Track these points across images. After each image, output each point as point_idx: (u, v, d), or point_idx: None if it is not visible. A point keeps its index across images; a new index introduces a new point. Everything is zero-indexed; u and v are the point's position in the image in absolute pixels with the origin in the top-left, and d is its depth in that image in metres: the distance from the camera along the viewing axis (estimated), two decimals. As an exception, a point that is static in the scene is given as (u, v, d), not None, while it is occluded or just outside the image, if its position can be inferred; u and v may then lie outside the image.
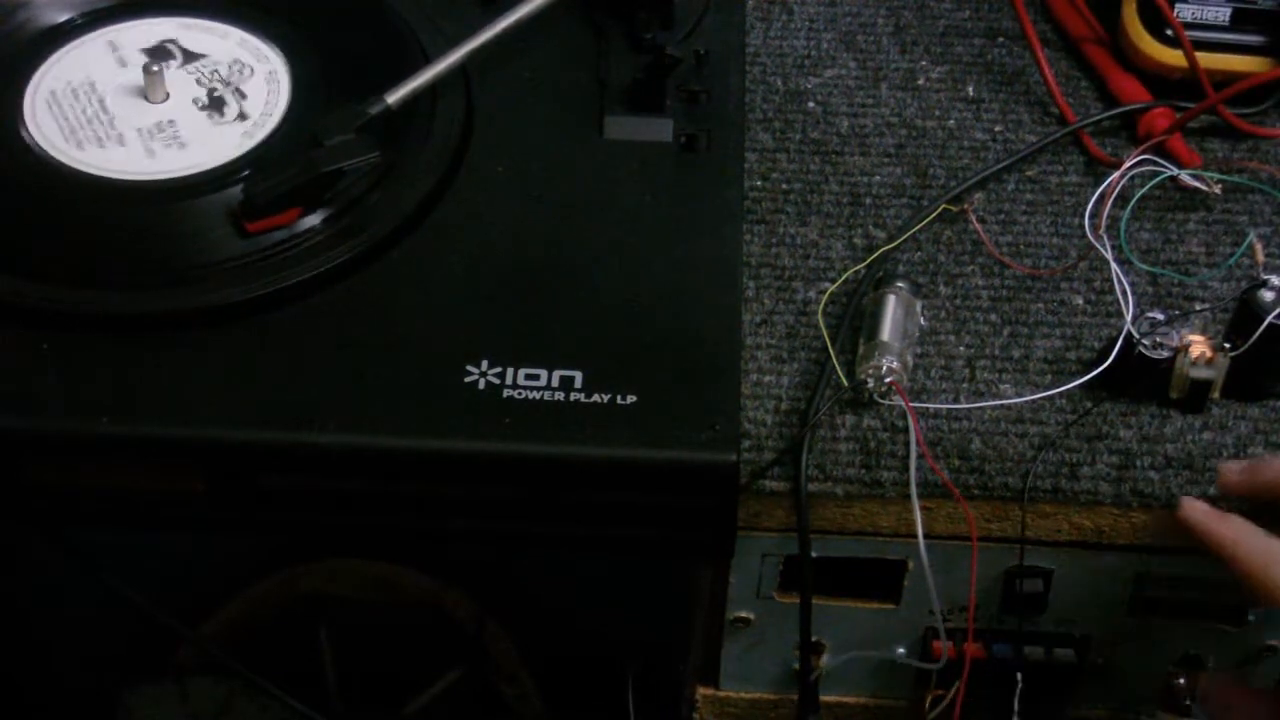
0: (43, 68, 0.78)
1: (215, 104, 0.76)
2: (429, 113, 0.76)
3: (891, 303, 0.71)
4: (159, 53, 0.78)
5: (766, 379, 0.71)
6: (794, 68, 0.86)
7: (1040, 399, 0.70)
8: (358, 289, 0.70)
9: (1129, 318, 0.70)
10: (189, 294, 0.69)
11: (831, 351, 0.70)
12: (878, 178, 0.80)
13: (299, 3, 0.82)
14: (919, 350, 0.72)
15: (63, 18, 0.80)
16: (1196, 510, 0.67)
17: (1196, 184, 0.78)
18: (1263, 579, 0.63)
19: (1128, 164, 0.76)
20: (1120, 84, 0.84)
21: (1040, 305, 0.74)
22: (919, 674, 0.77)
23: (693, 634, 0.79)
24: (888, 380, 0.68)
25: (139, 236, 0.71)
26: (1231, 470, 0.67)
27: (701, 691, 0.80)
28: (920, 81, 0.86)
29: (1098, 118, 0.83)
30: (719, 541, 0.68)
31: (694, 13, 0.83)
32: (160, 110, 0.76)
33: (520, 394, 0.66)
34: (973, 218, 0.78)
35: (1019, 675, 0.73)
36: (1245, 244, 0.76)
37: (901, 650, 0.76)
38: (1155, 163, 0.76)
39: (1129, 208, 0.77)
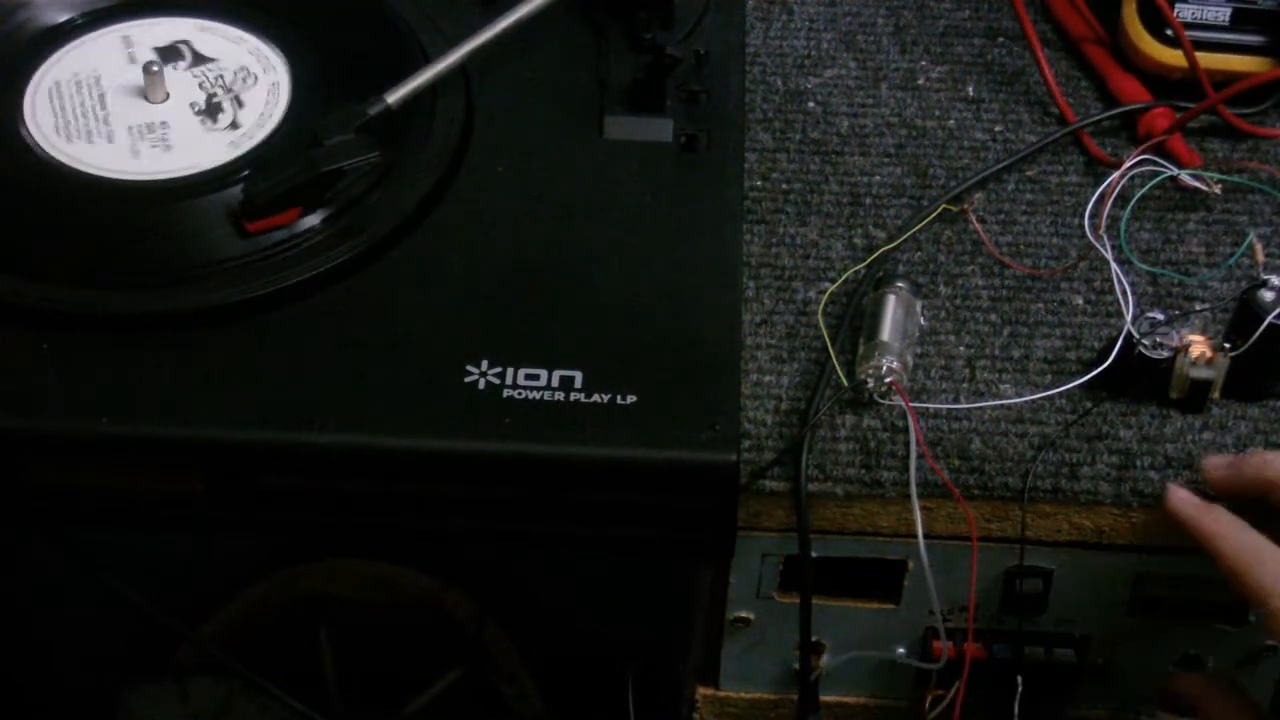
0: (44, 67, 0.78)
1: (211, 110, 0.76)
2: (429, 113, 0.76)
3: (891, 303, 0.71)
4: (170, 52, 0.78)
5: (766, 379, 0.71)
6: (794, 68, 0.86)
7: (1040, 399, 0.70)
8: (358, 289, 0.70)
9: (1129, 318, 0.70)
10: (189, 294, 0.69)
11: (831, 351, 0.70)
12: (878, 178, 0.80)
13: (299, 3, 0.82)
14: (919, 350, 0.72)
15: (63, 17, 0.80)
16: (1184, 501, 0.66)
17: (1196, 184, 0.78)
18: (1247, 579, 0.63)
19: (1128, 164, 0.76)
20: (1120, 84, 0.84)
21: (1040, 305, 0.74)
22: (919, 674, 0.77)
23: (693, 634, 0.79)
24: (888, 380, 0.68)
25: (139, 236, 0.71)
26: (1215, 466, 0.67)
27: (701, 691, 0.80)
28: (920, 81, 0.86)
29: (1098, 118, 0.83)
30: (719, 541, 0.68)
31: (694, 13, 0.83)
32: (157, 110, 0.76)
33: (520, 394, 0.66)
34: (973, 218, 0.78)
35: (1019, 677, 0.73)
36: (1245, 244, 0.76)
37: (901, 650, 0.76)
38: (1155, 163, 0.76)
39: (1129, 208, 0.77)
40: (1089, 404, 0.70)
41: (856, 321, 0.72)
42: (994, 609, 0.74)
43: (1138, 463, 0.68)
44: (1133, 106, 0.83)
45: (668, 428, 0.65)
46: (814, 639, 0.74)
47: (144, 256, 0.70)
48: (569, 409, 0.65)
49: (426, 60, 0.77)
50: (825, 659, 0.76)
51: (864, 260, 0.75)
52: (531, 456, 0.65)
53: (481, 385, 0.66)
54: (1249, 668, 0.76)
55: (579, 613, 0.88)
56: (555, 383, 0.66)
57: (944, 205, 0.78)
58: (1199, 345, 0.69)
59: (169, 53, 0.78)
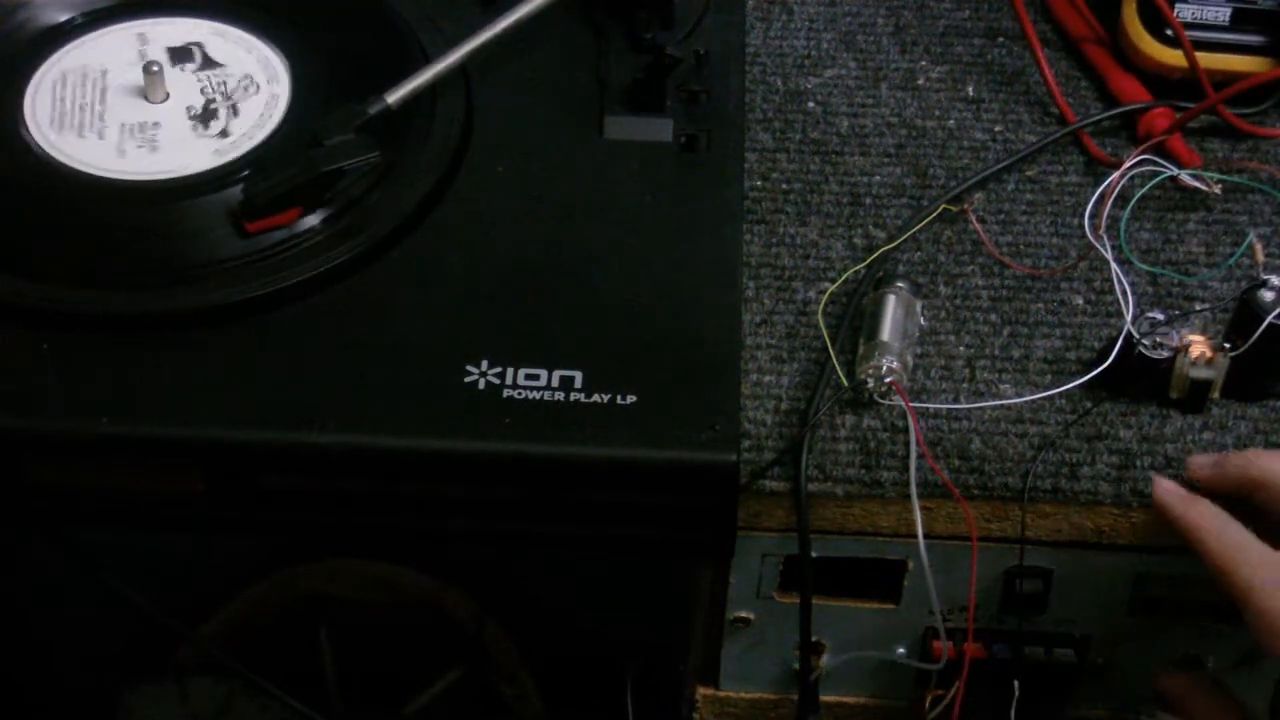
0: (44, 66, 0.78)
1: (205, 115, 0.75)
2: (429, 113, 0.76)
3: (891, 303, 0.71)
4: (182, 53, 0.78)
5: (766, 379, 0.71)
6: (794, 68, 0.86)
7: (1040, 399, 0.70)
8: (358, 289, 0.70)
9: (1129, 318, 0.70)
10: (189, 294, 0.69)
11: (831, 351, 0.70)
12: (878, 178, 0.80)
13: (299, 3, 0.82)
14: (919, 350, 0.72)
15: (63, 17, 0.80)
16: (1169, 493, 0.66)
17: (1196, 184, 0.78)
18: (1231, 576, 0.63)
19: (1128, 164, 0.76)
20: (1120, 84, 0.84)
21: (1040, 305, 0.74)
22: (919, 674, 0.77)
23: (693, 634, 0.79)
24: (888, 380, 0.68)
25: (139, 236, 0.71)
26: (1201, 465, 0.67)
27: (701, 691, 0.80)
28: (920, 81, 0.86)
29: (1098, 118, 0.83)
30: (719, 541, 0.68)
31: (694, 13, 0.83)
32: (153, 111, 0.76)
33: (520, 394, 0.66)
34: (973, 218, 0.78)
35: (1015, 683, 0.73)
36: (1245, 244, 0.76)
37: (901, 650, 0.76)
38: (1155, 163, 0.76)
39: (1129, 208, 0.77)
40: (1089, 404, 0.70)
41: (856, 321, 0.72)
42: (994, 609, 0.74)
43: (1138, 463, 0.68)
44: (1133, 106, 0.83)
45: (668, 428, 0.65)
46: (814, 639, 0.74)
47: (144, 256, 0.70)
48: (569, 409, 0.65)
49: (426, 60, 0.77)
50: (825, 659, 0.76)
51: (864, 260, 0.75)
52: (531, 456, 0.65)
53: (481, 385, 0.66)
54: (1248, 668, 0.76)
55: (579, 613, 0.88)
56: (555, 383, 0.66)
57: (944, 205, 0.78)
58: (1199, 345, 0.69)
59: (180, 53, 0.78)
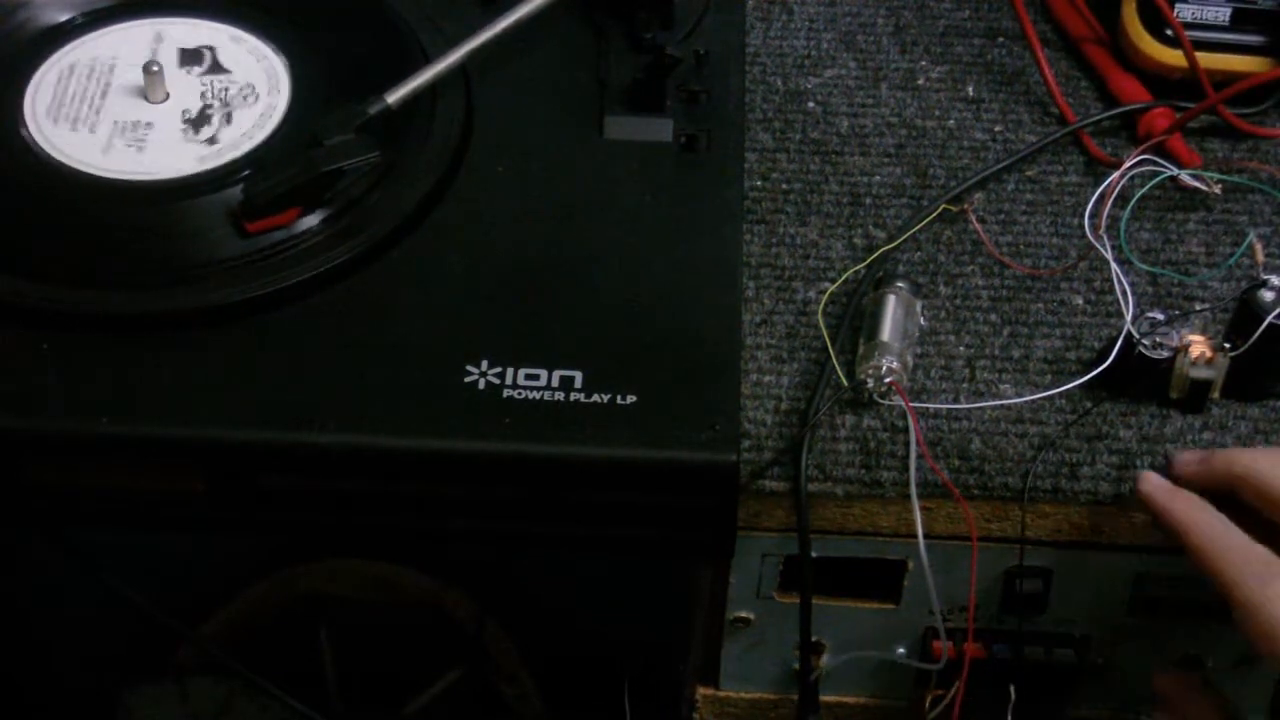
0: (44, 65, 0.78)
1: (199, 120, 0.75)
2: (429, 113, 0.76)
3: (891, 303, 0.71)
4: (193, 55, 0.78)
5: (766, 379, 0.71)
6: (794, 68, 0.86)
7: (1040, 399, 0.70)
8: (358, 289, 0.70)
9: (1129, 318, 0.70)
10: (189, 294, 0.69)
11: (831, 351, 0.70)
12: (878, 178, 0.80)
13: (299, 3, 0.82)
14: (919, 350, 0.72)
15: (63, 17, 0.80)
16: (1155, 487, 0.66)
17: (1196, 184, 0.78)
18: (1216, 571, 0.62)
19: (1128, 164, 0.76)
20: (1120, 84, 0.84)
21: (1040, 305, 0.74)
22: (919, 674, 0.77)
23: (693, 634, 0.79)
24: (888, 380, 0.68)
25: (139, 236, 0.71)
26: (1186, 463, 0.67)
27: (701, 691, 0.80)
28: (920, 81, 0.86)
29: (1098, 118, 0.83)
30: (719, 541, 0.68)
31: (694, 13, 0.83)
32: (150, 111, 0.76)
33: (520, 394, 0.66)
34: (973, 218, 0.78)
35: (1011, 687, 0.73)
36: (1245, 244, 0.76)
37: (901, 650, 0.76)
38: (1155, 163, 0.76)
39: (1129, 208, 0.77)
40: (1089, 404, 0.70)
41: (856, 321, 0.72)
42: (994, 609, 0.74)
43: (1138, 463, 0.68)
44: (1133, 106, 0.83)
45: (668, 428, 0.65)
46: (814, 639, 0.74)
47: (144, 256, 0.70)
48: (569, 409, 0.65)
49: (426, 60, 0.77)
50: (825, 659, 0.76)
51: (864, 260, 0.75)
52: (531, 456, 0.65)
53: (481, 385, 0.66)
54: (1248, 667, 0.76)
55: (579, 613, 0.88)
56: (555, 383, 0.66)
57: (944, 205, 0.78)
58: (1199, 345, 0.69)
59: (191, 55, 0.78)
